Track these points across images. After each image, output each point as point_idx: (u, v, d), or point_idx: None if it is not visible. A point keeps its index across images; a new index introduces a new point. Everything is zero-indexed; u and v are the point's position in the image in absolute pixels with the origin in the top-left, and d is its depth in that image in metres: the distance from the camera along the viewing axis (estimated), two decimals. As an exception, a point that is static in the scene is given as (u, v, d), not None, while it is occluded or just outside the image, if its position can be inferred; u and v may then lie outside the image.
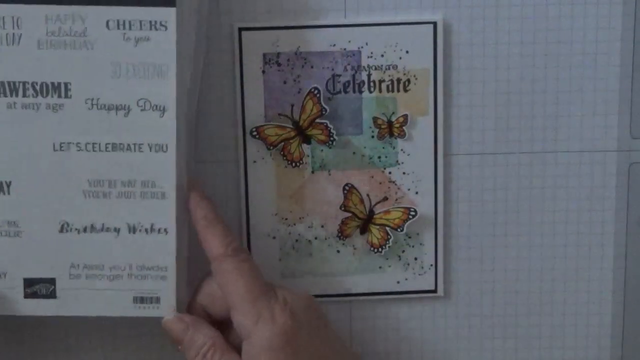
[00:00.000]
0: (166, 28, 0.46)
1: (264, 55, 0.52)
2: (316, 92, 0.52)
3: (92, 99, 0.47)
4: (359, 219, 0.54)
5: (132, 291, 0.49)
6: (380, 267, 0.54)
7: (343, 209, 0.54)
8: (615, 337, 0.56)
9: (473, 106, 0.53)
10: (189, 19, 0.48)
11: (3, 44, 0.46)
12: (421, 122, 0.53)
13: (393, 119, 0.53)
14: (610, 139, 0.54)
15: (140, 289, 0.49)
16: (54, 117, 0.47)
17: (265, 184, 0.53)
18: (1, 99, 0.47)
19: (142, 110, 0.47)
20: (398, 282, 0.55)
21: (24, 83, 0.47)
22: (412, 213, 0.53)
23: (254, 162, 0.53)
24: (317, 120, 0.52)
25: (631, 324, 0.56)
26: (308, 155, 0.53)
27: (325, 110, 0.52)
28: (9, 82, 0.47)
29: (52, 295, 0.49)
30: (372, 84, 0.52)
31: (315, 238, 0.54)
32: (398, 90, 0.53)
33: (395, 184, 0.54)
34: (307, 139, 0.53)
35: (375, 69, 0.52)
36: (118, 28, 0.46)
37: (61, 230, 0.48)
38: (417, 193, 0.54)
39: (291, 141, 0.53)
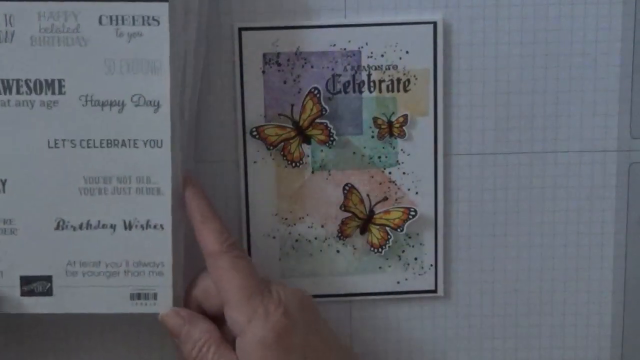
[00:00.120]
0: (159, 23, 0.46)
1: (264, 55, 0.52)
2: (316, 92, 0.52)
3: (86, 96, 0.47)
4: (359, 219, 0.54)
5: (129, 287, 0.49)
6: (380, 267, 0.54)
7: (343, 209, 0.54)
8: (615, 337, 0.56)
9: (473, 106, 0.53)
10: (182, 13, 0.48)
11: None
12: (421, 122, 0.53)
13: (393, 119, 0.53)
14: (610, 139, 0.54)
15: (137, 285, 0.49)
16: (48, 114, 0.47)
17: (265, 184, 0.53)
18: None
19: (136, 106, 0.47)
20: (398, 282, 0.55)
21: (18, 80, 0.47)
22: (412, 213, 0.53)
23: (254, 162, 0.53)
24: (317, 120, 0.52)
25: (631, 324, 0.56)
26: (308, 155, 0.53)
27: (325, 110, 0.52)
28: (2, 80, 0.47)
29: (49, 292, 0.49)
30: (372, 84, 0.52)
31: (315, 238, 0.54)
32: (398, 90, 0.53)
33: (395, 184, 0.54)
34: (307, 139, 0.53)
35: (375, 69, 0.52)
36: (111, 24, 0.46)
37: (57, 228, 0.48)
38: (417, 193, 0.54)
39: (291, 141, 0.53)
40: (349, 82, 0.52)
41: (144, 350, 0.55)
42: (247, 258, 0.48)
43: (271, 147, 0.53)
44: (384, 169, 0.54)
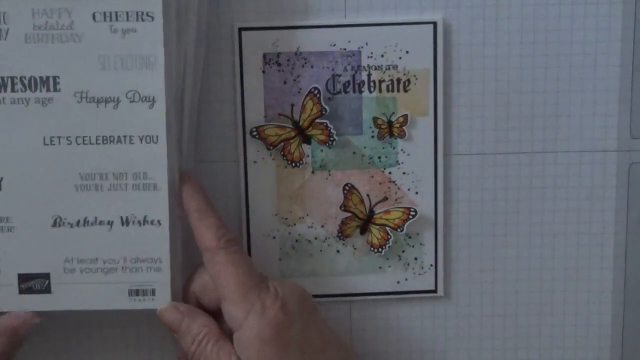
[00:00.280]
0: (152, 18, 0.46)
1: (264, 55, 0.52)
2: (316, 92, 0.52)
3: (81, 92, 0.47)
4: (359, 219, 0.54)
5: (127, 284, 0.49)
6: (380, 267, 0.54)
7: (343, 209, 0.54)
8: (615, 337, 0.56)
9: (473, 106, 0.53)
10: (176, 8, 0.48)
11: None
12: (421, 122, 0.53)
13: (393, 119, 0.53)
14: (610, 139, 0.54)
15: (135, 281, 0.49)
16: (44, 111, 0.47)
17: (265, 184, 0.53)
18: None
19: (131, 102, 0.47)
20: (398, 282, 0.55)
21: (13, 78, 0.47)
22: (412, 213, 0.53)
23: (254, 162, 0.53)
24: (317, 120, 0.52)
25: (631, 324, 0.56)
26: (308, 155, 0.53)
27: (325, 110, 0.52)
28: None
29: (47, 290, 0.49)
30: (372, 84, 0.52)
31: (315, 238, 0.54)
32: (398, 90, 0.53)
33: (395, 184, 0.54)
34: (307, 139, 0.53)
35: (375, 69, 0.52)
36: (105, 20, 0.46)
37: (54, 225, 0.48)
38: (417, 193, 0.54)
39: (291, 141, 0.53)
40: (349, 82, 0.52)
41: (144, 350, 0.55)
42: (244, 253, 0.48)
43: (271, 147, 0.53)
44: (384, 169, 0.54)
